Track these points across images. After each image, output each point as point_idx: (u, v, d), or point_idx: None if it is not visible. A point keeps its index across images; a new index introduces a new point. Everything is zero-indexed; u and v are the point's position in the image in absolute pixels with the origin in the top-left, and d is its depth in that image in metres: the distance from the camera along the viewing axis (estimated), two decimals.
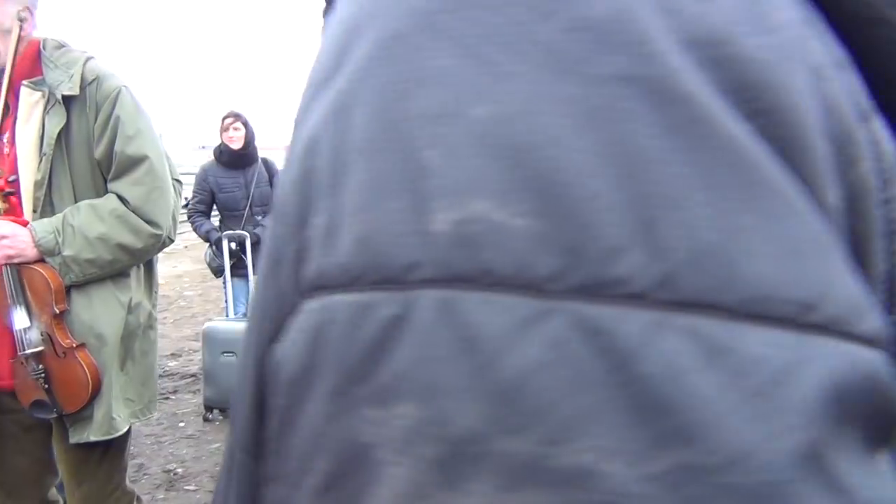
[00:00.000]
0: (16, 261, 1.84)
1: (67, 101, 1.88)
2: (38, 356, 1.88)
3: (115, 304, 1.96)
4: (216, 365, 4.48)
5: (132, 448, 4.07)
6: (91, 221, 1.87)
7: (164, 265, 12.46)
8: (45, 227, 1.85)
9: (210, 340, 4.53)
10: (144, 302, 2.05)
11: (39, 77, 1.89)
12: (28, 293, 1.86)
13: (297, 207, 0.25)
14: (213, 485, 3.61)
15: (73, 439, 1.94)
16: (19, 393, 1.93)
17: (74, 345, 1.89)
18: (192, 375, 5.47)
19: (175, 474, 3.72)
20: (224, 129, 4.75)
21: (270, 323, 0.25)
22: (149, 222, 1.93)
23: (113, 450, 2.06)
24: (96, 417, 1.94)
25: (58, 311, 1.87)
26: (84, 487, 2.04)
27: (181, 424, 4.45)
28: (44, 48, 1.92)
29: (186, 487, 3.56)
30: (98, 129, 1.89)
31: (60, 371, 1.89)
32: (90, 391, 1.91)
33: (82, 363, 1.90)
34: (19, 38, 1.85)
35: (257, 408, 0.26)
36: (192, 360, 5.95)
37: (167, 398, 4.97)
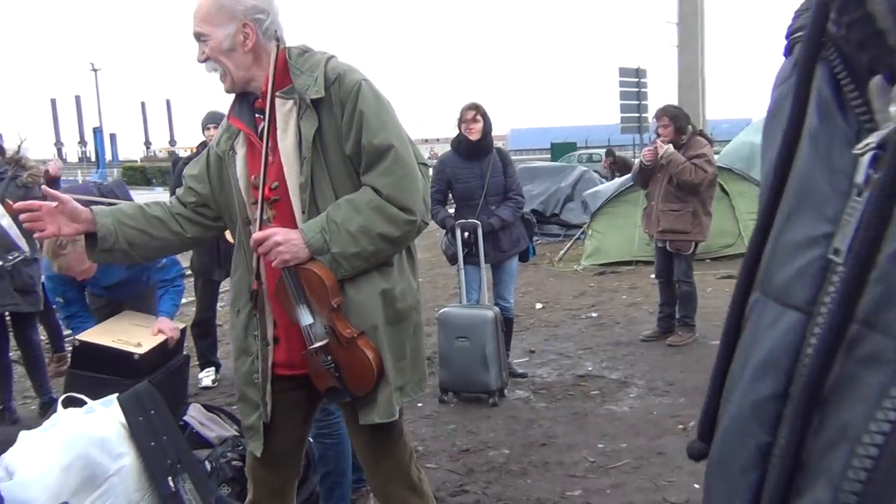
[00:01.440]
0: (292, 263, 2.00)
1: (316, 103, 2.00)
2: (325, 348, 2.04)
3: (382, 292, 2.06)
4: (451, 349, 4.65)
5: None
6: (351, 216, 1.97)
7: None
8: (312, 227, 1.98)
9: (445, 326, 4.70)
10: (410, 288, 2.14)
11: (289, 85, 2.03)
12: (307, 292, 2.02)
13: None
14: (451, 464, 3.74)
15: (362, 421, 2.09)
16: (315, 380, 2.13)
17: (355, 334, 2.03)
18: (427, 358, 5.70)
19: (417, 452, 3.89)
20: (464, 121, 4.88)
21: None
22: (403, 209, 1.99)
23: (400, 427, 2.21)
24: (380, 401, 2.07)
25: (335, 305, 2.01)
26: (384, 463, 2.20)
27: (419, 405, 4.66)
28: (289, 57, 2.05)
29: (427, 465, 3.72)
30: (345, 125, 1.99)
31: (347, 359, 2.03)
32: (375, 376, 2.04)
33: (365, 350, 2.02)
34: (253, 53, 2.01)
35: None
36: (425, 343, 6.21)
37: None
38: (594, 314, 6.90)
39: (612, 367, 5.25)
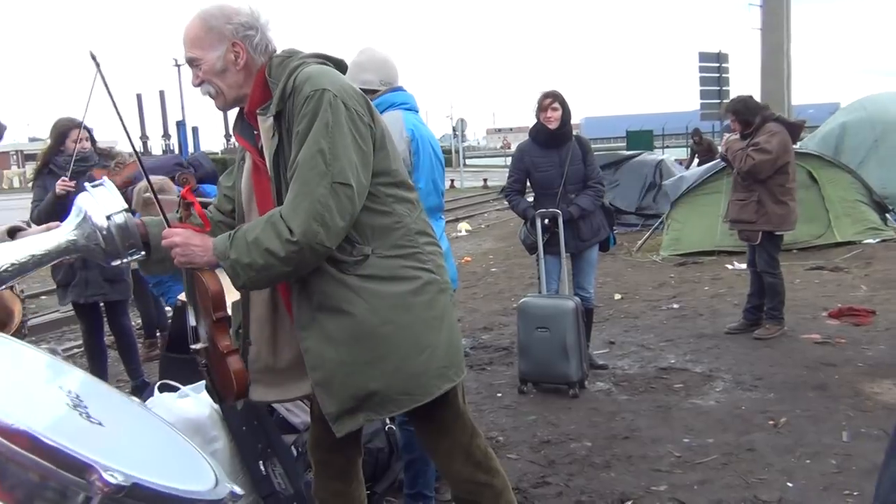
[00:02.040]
0: (187, 267, 2.03)
1: (278, 118, 1.95)
2: (199, 352, 2.11)
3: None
4: (530, 340, 4.61)
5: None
6: (253, 227, 1.91)
7: (470, 242, 13.17)
8: (223, 235, 1.96)
9: (525, 316, 4.67)
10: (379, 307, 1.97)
11: (269, 101, 1.97)
12: (198, 297, 2.09)
13: None
14: (532, 455, 3.71)
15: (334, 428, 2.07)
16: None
17: (230, 349, 2.06)
18: (505, 349, 5.70)
19: (497, 442, 3.89)
20: (542, 109, 4.82)
21: None
22: (288, 228, 1.84)
23: (454, 409, 2.17)
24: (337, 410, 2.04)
25: (214, 318, 2.04)
26: (443, 444, 2.19)
27: (498, 395, 4.65)
28: (269, 69, 2.00)
29: (508, 455, 3.70)
30: (293, 144, 1.92)
31: (217, 368, 2.09)
32: (235, 391, 2.07)
33: (232, 366, 2.06)
34: (245, 71, 2.00)
35: None
36: (502, 333, 6.20)
37: (483, 369, 5.23)
38: (675, 305, 6.74)
39: (696, 359, 5.12)
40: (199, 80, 2.02)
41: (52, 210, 4.30)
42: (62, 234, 1.99)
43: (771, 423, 3.94)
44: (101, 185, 2.02)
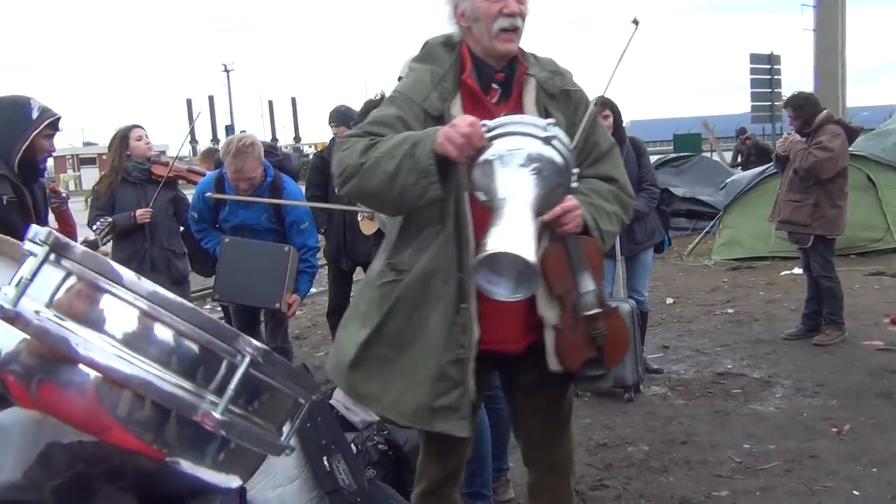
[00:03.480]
0: (577, 231, 2.05)
1: (556, 96, 2.16)
2: (595, 317, 2.07)
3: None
4: None
5: None
6: (603, 201, 2.11)
7: None
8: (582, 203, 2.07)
9: None
10: None
11: (526, 69, 2.17)
12: (587, 260, 2.07)
13: None
14: (589, 458, 3.69)
15: (601, 384, 2.24)
16: (565, 354, 2.07)
17: (615, 306, 2.15)
18: None
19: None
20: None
21: None
22: (629, 196, 2.21)
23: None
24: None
25: (601, 278, 2.13)
26: (564, 434, 2.31)
27: None
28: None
29: None
30: (578, 123, 2.16)
31: (612, 329, 2.10)
32: (627, 347, 2.21)
33: (622, 321, 2.17)
34: None
35: None
36: None
37: None
38: (730, 310, 6.63)
39: (754, 365, 5.03)
40: (520, 12, 2.03)
41: (128, 231, 4.47)
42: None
43: (834, 430, 3.85)
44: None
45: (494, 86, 2.11)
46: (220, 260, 4.14)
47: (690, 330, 6.07)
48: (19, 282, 1.48)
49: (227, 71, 51.54)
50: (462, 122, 1.84)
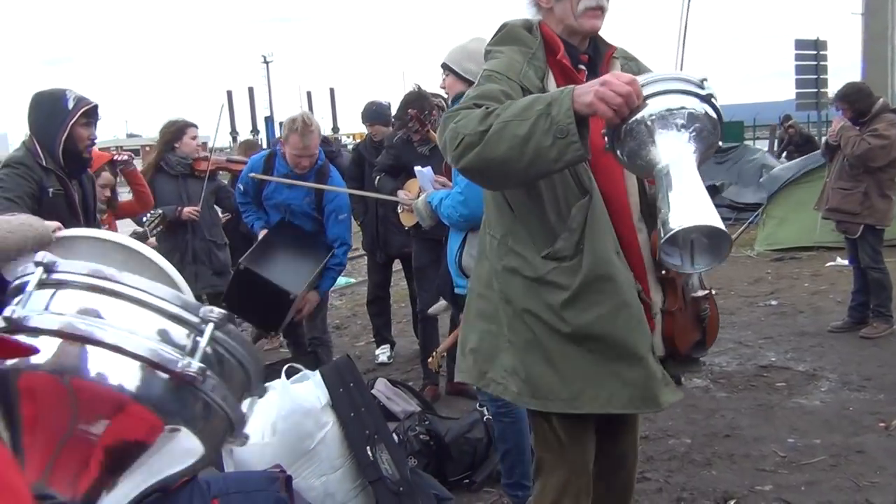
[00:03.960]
0: None
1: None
2: (704, 298, 2.08)
3: None
4: None
5: None
6: None
7: None
8: None
9: None
10: None
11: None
12: None
13: None
14: None
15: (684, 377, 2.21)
16: (678, 339, 2.02)
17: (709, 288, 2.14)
18: None
19: None
20: None
21: None
22: None
23: None
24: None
25: None
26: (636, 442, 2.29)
27: None
28: None
29: None
30: None
31: (713, 310, 2.13)
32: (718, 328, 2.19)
33: (716, 304, 2.16)
34: None
35: None
36: None
37: None
38: (773, 302, 6.52)
39: (799, 358, 4.95)
40: None
41: (171, 223, 4.56)
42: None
43: (882, 425, 3.78)
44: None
45: (581, 66, 2.06)
46: (266, 233, 4.21)
47: (733, 322, 5.98)
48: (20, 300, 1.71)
49: (266, 62, 51.95)
50: (617, 79, 1.68)
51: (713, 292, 2.14)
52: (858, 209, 5.21)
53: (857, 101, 5.27)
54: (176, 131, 4.78)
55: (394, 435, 3.17)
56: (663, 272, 2.00)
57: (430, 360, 4.03)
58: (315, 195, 4.22)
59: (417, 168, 3.72)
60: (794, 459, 3.48)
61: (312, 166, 4.16)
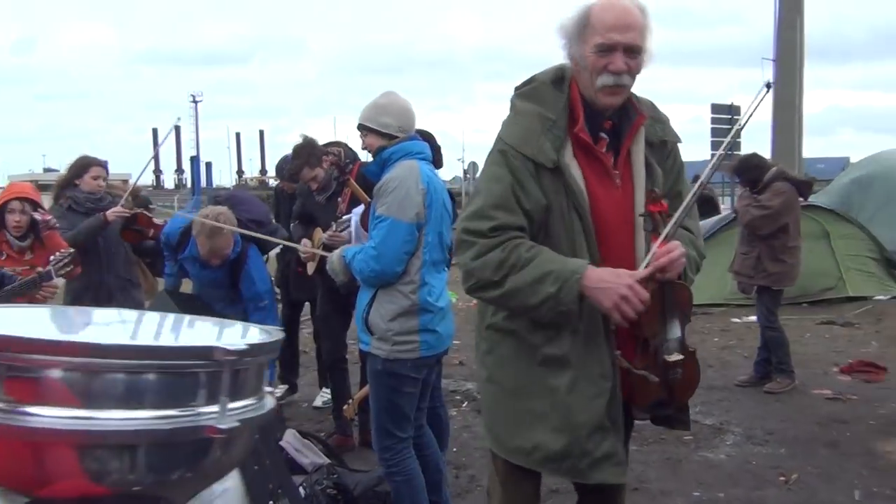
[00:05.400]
0: (677, 277, 2.01)
1: (655, 146, 2.15)
2: (676, 363, 2.05)
3: None
4: None
5: (462, 458, 4.34)
6: (691, 248, 2.09)
7: None
8: None
9: None
10: None
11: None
12: (677, 307, 2.05)
13: None
14: None
15: (678, 427, 2.27)
16: (636, 394, 2.08)
17: (694, 349, 2.15)
18: None
19: (480, 487, 3.84)
20: None
21: None
22: (701, 249, 2.20)
23: None
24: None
25: (688, 323, 2.12)
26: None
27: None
28: None
29: None
30: (668, 173, 2.18)
31: (689, 372, 2.12)
32: (695, 387, 2.20)
33: (697, 364, 2.16)
34: None
35: None
36: None
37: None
38: None
39: (707, 411, 5.08)
40: (627, 68, 1.96)
41: (84, 261, 4.38)
42: None
43: (782, 479, 3.90)
44: None
45: (602, 135, 2.06)
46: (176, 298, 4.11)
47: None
48: None
49: (195, 101, 51.36)
50: (618, 280, 1.91)
51: (693, 351, 2.14)
52: (752, 272, 5.54)
53: (744, 172, 5.69)
54: (78, 168, 4.64)
55: (300, 489, 3.08)
56: (642, 334, 2.05)
57: (345, 408, 3.98)
58: (229, 278, 4.13)
59: (354, 210, 3.72)
60: None
61: (227, 259, 4.05)
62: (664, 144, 2.15)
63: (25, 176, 45.25)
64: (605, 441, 2.05)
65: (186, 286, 4.52)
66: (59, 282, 4.21)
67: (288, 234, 4.74)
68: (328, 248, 3.85)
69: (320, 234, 4.26)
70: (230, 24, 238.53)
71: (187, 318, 2.35)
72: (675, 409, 2.16)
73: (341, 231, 3.92)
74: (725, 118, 17.87)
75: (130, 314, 2.40)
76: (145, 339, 2.00)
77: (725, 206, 14.72)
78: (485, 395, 2.28)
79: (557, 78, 2.10)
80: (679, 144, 2.22)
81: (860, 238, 9.08)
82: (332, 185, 4.44)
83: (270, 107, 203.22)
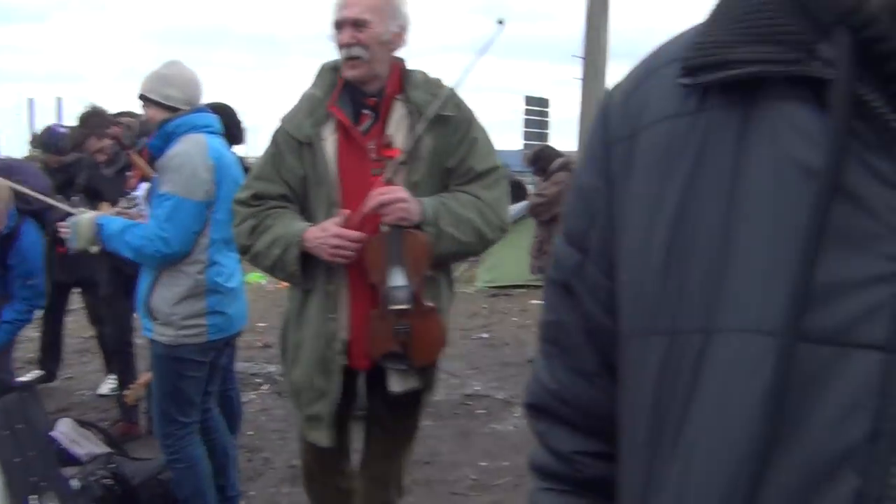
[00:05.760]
0: (404, 223, 2.07)
1: (437, 119, 2.18)
2: (403, 313, 2.09)
3: (447, 280, 2.32)
4: None
5: (257, 441, 4.30)
6: (459, 206, 2.16)
7: None
8: (428, 201, 2.11)
9: None
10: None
11: (402, 94, 2.20)
12: (406, 255, 2.07)
13: None
14: None
15: (400, 388, 2.22)
16: (372, 345, 2.17)
17: (432, 306, 2.15)
18: None
19: (299, 470, 3.86)
20: None
21: None
22: (499, 218, 2.25)
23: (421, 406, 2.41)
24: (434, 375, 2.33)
25: (428, 275, 2.13)
26: (400, 458, 2.51)
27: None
28: (402, 69, 2.22)
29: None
30: (457, 145, 2.22)
31: (421, 329, 2.13)
32: (440, 350, 2.24)
33: (438, 324, 2.18)
34: (392, 55, 2.18)
35: None
36: None
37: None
38: (485, 335, 7.04)
39: (500, 386, 5.37)
40: (355, 40, 2.10)
41: None
42: None
43: None
44: None
45: (365, 111, 2.19)
46: None
47: (448, 354, 6.30)
48: None
49: None
50: (325, 233, 2.07)
51: (429, 311, 2.17)
52: (537, 255, 5.95)
53: (535, 162, 6.25)
54: None
55: (73, 481, 2.92)
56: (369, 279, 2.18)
57: (125, 393, 3.79)
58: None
59: (141, 185, 3.55)
60: (485, 482, 3.76)
61: None
62: (446, 119, 2.22)
63: None
64: (317, 402, 2.21)
65: None
66: None
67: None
68: None
69: (107, 211, 4.01)
70: None
71: None
72: (416, 369, 2.23)
73: (130, 208, 3.72)
74: (539, 110, 18.77)
75: None
76: None
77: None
78: None
79: (337, 63, 2.26)
80: (470, 120, 2.26)
81: None
82: (121, 158, 4.20)
83: (69, 72, 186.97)
